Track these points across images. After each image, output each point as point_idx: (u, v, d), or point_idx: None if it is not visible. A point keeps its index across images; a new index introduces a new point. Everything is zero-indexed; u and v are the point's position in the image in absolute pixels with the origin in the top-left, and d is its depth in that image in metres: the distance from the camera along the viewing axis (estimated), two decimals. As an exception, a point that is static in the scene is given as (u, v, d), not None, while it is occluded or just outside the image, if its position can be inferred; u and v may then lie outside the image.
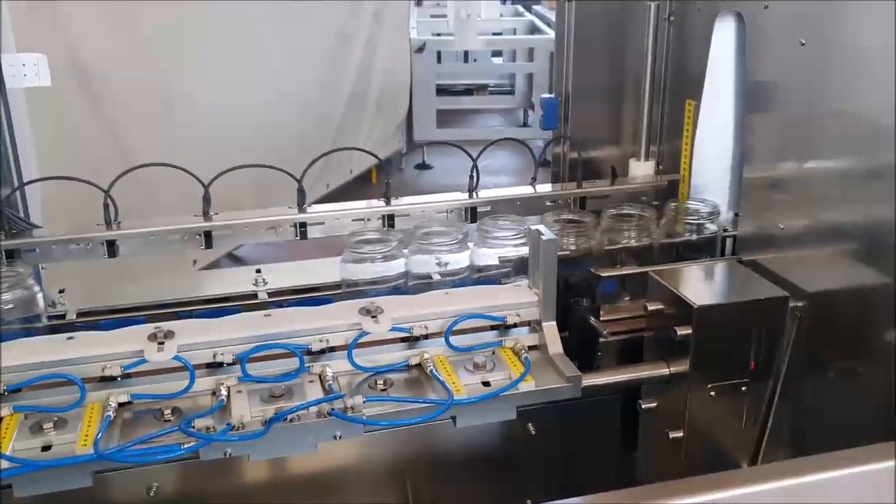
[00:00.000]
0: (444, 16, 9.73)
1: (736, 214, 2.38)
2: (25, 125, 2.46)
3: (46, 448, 1.65)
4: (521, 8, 10.50)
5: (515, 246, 2.12)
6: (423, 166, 8.17)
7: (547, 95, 2.44)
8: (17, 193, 2.12)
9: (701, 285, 2.05)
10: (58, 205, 2.90)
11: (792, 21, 1.90)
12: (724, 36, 2.26)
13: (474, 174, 2.26)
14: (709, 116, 2.35)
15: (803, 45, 1.87)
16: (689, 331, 1.91)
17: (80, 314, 2.08)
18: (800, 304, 1.95)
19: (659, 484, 1.42)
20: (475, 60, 10.17)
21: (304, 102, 6.11)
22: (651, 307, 2.04)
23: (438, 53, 9.68)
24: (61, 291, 2.18)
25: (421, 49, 8.47)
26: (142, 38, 4.55)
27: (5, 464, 1.59)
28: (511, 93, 9.58)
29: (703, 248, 2.35)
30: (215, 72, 5.19)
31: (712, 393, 1.96)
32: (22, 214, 2.12)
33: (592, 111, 2.48)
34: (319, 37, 6.38)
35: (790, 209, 2.01)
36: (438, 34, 9.60)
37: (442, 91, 9.46)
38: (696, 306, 1.90)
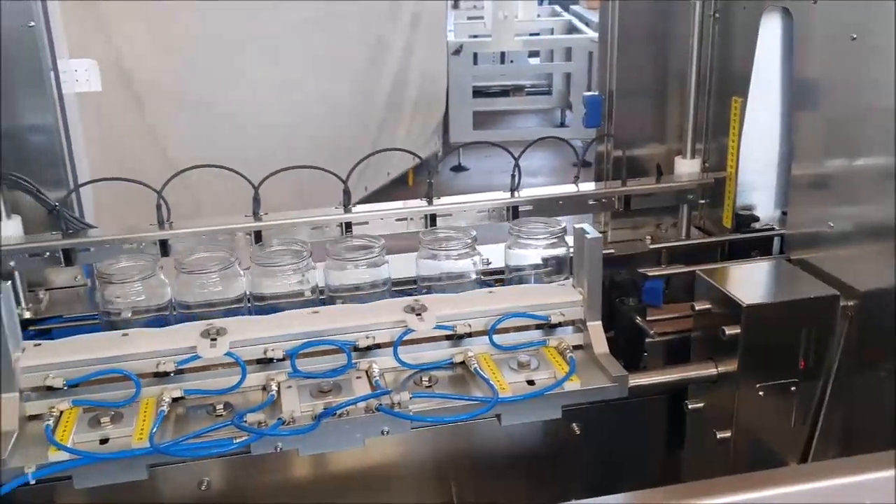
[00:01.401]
0: (481, 17, 9.75)
1: (783, 213, 2.36)
2: (78, 129, 2.52)
3: (104, 441, 1.69)
4: (558, 8, 10.48)
5: (547, 246, 2.12)
6: (458, 168, 8.18)
7: (590, 93, 2.44)
8: (73, 195, 2.16)
9: (749, 284, 2.03)
10: (107, 207, 2.97)
11: (842, 16, 1.88)
12: (770, 32, 2.25)
13: (516, 173, 2.26)
14: (754, 114, 2.33)
15: (854, 39, 1.85)
16: (738, 330, 1.90)
17: (134, 312, 2.11)
18: (850, 302, 1.92)
19: (706, 481, 1.42)
20: (512, 61, 10.17)
21: (342, 107, 6.16)
22: (698, 306, 2.03)
23: (475, 55, 9.69)
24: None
25: (458, 51, 8.49)
26: (183, 46, 4.64)
27: (66, 455, 1.63)
28: (548, 93, 9.55)
29: (750, 248, 2.33)
30: (253, 78, 5.27)
31: (761, 393, 1.95)
32: (77, 215, 2.17)
33: (636, 109, 2.47)
34: (357, 42, 6.43)
35: (839, 207, 1.99)
36: (475, 36, 9.61)
37: (478, 93, 9.47)
38: (745, 305, 1.89)
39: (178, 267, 1.97)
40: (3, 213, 2.03)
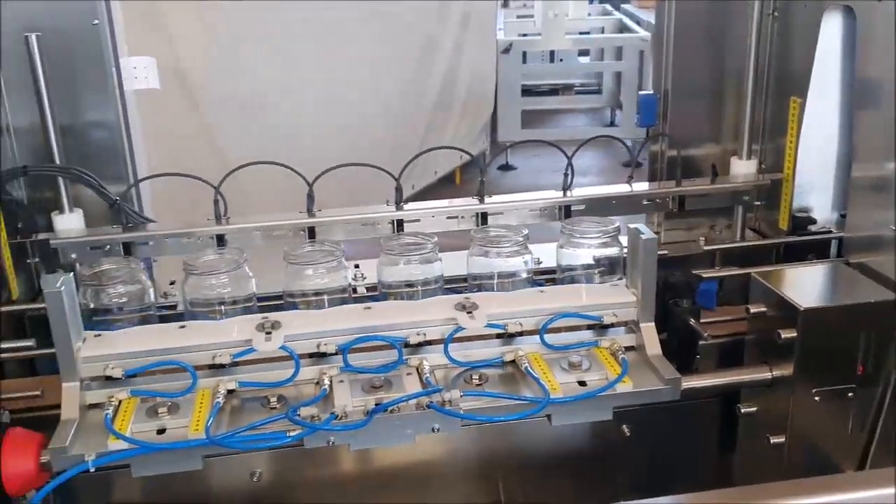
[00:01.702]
0: (531, 16, 9.71)
1: (841, 215, 2.31)
2: (137, 126, 2.58)
3: (161, 431, 1.73)
4: (609, 7, 10.41)
5: (600, 246, 2.10)
6: (506, 167, 8.17)
7: (645, 92, 2.42)
8: (132, 190, 2.21)
9: (806, 287, 2.00)
10: (163, 202, 3.03)
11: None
12: (830, 32, 2.20)
13: (569, 172, 2.25)
14: (813, 114, 2.29)
15: (919, 39, 1.81)
16: (794, 333, 1.87)
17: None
18: (911, 307, 1.88)
19: (760, 485, 1.41)
20: (561, 60, 10.13)
21: (390, 107, 6.20)
22: (753, 309, 2.00)
23: (524, 54, 9.66)
24: (172, 283, 2.28)
25: (507, 50, 8.48)
26: (238, 46, 4.71)
27: (125, 445, 1.67)
28: (598, 92, 9.49)
29: (807, 251, 2.29)
30: (306, 77, 5.33)
31: (817, 398, 1.91)
32: (137, 209, 2.22)
33: (692, 108, 2.44)
34: (407, 42, 6.47)
35: (901, 209, 1.95)
36: (525, 35, 9.59)
37: (526, 91, 9.44)
38: (802, 308, 1.85)
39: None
40: (66, 207, 2.09)
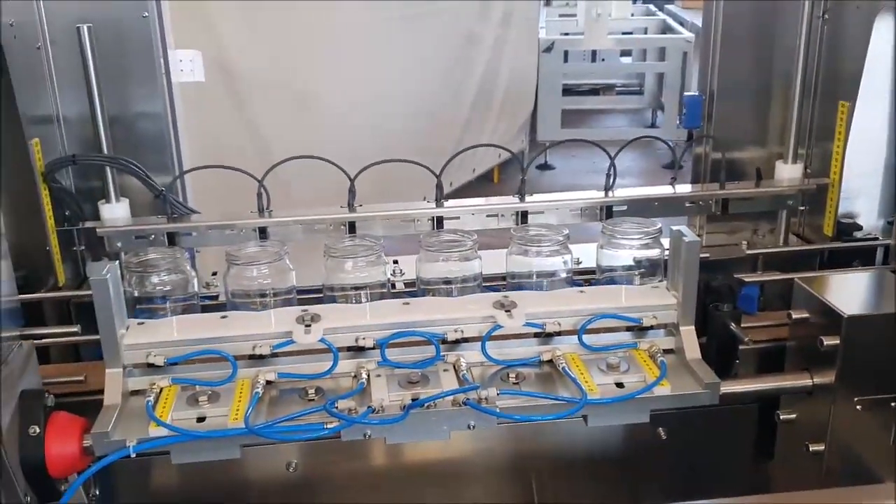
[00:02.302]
0: (574, 15, 9.67)
1: (888, 222, 2.27)
2: (181, 118, 2.62)
3: (201, 420, 1.75)
4: (653, 7, 10.33)
5: (641, 247, 2.08)
6: (545, 167, 8.15)
7: (690, 93, 2.40)
8: (178, 182, 2.25)
9: (850, 295, 1.96)
10: (206, 194, 3.08)
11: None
12: (883, 35, 2.16)
13: (611, 172, 2.24)
14: (863, 119, 2.26)
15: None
16: (837, 341, 1.84)
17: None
18: (958, 318, 1.84)
19: (799, 492, 1.39)
20: (603, 60, 10.07)
21: (430, 103, 6.22)
22: (796, 315, 1.97)
23: (565, 53, 9.61)
24: (214, 274, 2.31)
25: (549, 48, 8.44)
26: (280, 41, 4.76)
27: (165, 432, 1.70)
28: (640, 93, 9.43)
29: (852, 257, 2.26)
30: (346, 74, 5.36)
31: (858, 407, 1.88)
32: (181, 200, 2.25)
33: (738, 110, 2.42)
34: (446, 39, 6.48)
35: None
36: (567, 34, 9.54)
37: (567, 91, 9.40)
38: (846, 316, 1.83)
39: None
40: (113, 196, 2.13)
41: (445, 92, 6.67)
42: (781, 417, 2.05)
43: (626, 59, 9.98)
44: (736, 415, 2.17)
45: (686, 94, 2.41)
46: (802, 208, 2.37)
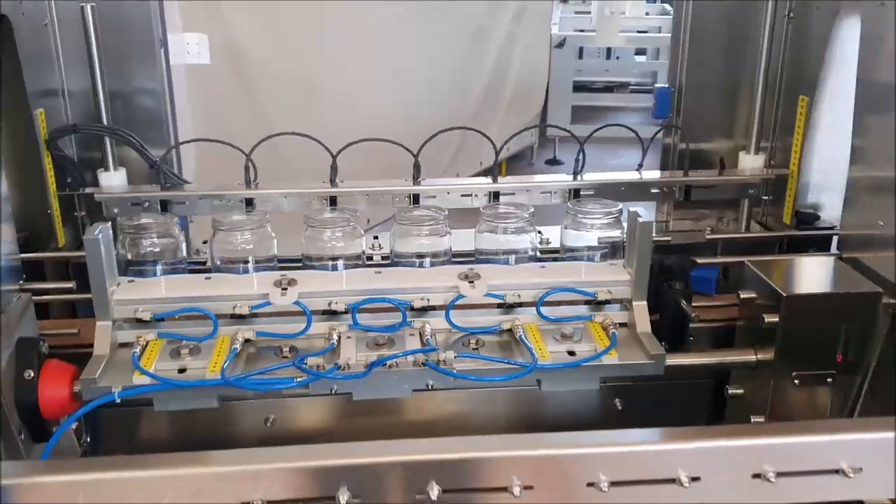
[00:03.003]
0: (589, 12, 9.74)
1: (848, 214, 2.38)
2: (185, 98, 2.77)
3: (182, 371, 1.90)
4: (668, 7, 10.37)
5: (603, 227, 2.18)
6: (553, 161, 8.25)
7: (661, 85, 2.52)
8: (173, 154, 2.40)
9: (794, 277, 2.08)
10: (208, 169, 3.23)
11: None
12: (847, 34, 2.26)
13: (580, 157, 2.37)
14: (827, 114, 2.36)
15: (913, 43, 1.88)
16: (777, 319, 1.95)
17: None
18: (893, 300, 1.95)
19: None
20: (618, 58, 10.14)
21: (438, 96, 6.32)
22: (744, 295, 2.09)
23: (580, 49, 9.70)
24: (204, 242, 2.45)
25: (561, 44, 8.54)
26: (290, 31, 4.89)
27: (148, 380, 1.85)
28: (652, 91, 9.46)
29: (810, 246, 2.37)
30: (353, 65, 5.48)
31: (797, 381, 2.00)
32: (176, 172, 2.40)
33: (705, 104, 2.53)
34: (455, 33, 6.58)
35: (889, 208, 2.02)
36: (581, 30, 9.62)
37: (582, 87, 9.49)
38: (785, 295, 1.94)
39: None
40: (111, 165, 2.28)
41: (455, 84, 6.77)
42: (730, 392, 2.16)
43: (641, 58, 10.05)
44: (690, 389, 2.30)
45: (657, 85, 2.52)
46: (766, 199, 2.48)
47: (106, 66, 2.21)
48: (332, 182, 2.32)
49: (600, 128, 2.36)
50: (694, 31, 2.45)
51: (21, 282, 2.01)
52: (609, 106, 9.58)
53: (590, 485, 1.30)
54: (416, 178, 2.35)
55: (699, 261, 2.21)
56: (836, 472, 1.33)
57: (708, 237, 2.38)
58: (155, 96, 2.39)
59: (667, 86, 2.53)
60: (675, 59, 2.51)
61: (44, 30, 2.16)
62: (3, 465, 1.40)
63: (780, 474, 1.32)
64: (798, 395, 2.01)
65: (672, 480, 1.31)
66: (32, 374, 1.86)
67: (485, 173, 7.10)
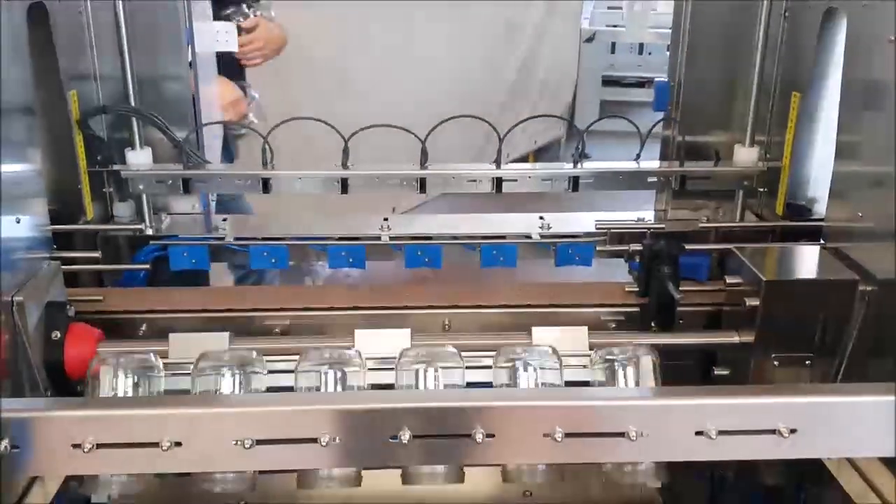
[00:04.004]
0: (620, 8, 9.79)
1: (837, 206, 2.45)
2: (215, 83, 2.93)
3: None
4: (700, 3, 10.32)
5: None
6: (581, 154, 8.30)
7: (660, 78, 2.61)
8: (196, 137, 2.55)
9: (776, 263, 2.17)
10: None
11: (884, 17, 1.98)
12: (834, 32, 2.34)
13: (580, 146, 2.48)
14: (825, 111, 2.44)
15: (892, 41, 1.95)
16: (757, 302, 2.05)
17: (235, 239, 2.49)
18: (869, 288, 2.04)
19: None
20: (650, 53, 10.17)
21: (465, 86, 6.44)
22: (730, 280, 2.19)
23: (613, 44, 9.76)
24: (224, 219, 2.61)
25: (590, 39, 8.61)
26: (323, 21, 5.04)
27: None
28: (681, 87, 9.46)
29: (802, 236, 2.45)
30: (384, 56, 5.62)
31: (776, 363, 2.09)
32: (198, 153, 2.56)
33: (702, 98, 2.61)
34: (485, 25, 6.69)
35: (868, 200, 2.10)
36: (614, 25, 9.67)
37: (613, 82, 9.55)
38: (764, 280, 2.04)
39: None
40: (138, 144, 2.44)
41: (484, 76, 6.88)
42: (716, 373, 2.26)
43: (673, 54, 10.02)
44: (678, 371, 2.39)
45: (656, 79, 2.61)
46: (761, 191, 2.56)
47: (135, 52, 2.36)
48: (344, 165, 2.45)
49: (597, 120, 2.46)
50: (693, 27, 2.54)
51: (51, 251, 2.18)
52: (639, 101, 9.62)
53: (546, 435, 1.43)
54: (422, 163, 2.47)
55: (688, 247, 2.31)
56: (773, 432, 1.47)
57: (701, 226, 2.48)
58: (180, 82, 2.54)
59: (665, 79, 2.62)
60: (675, 54, 2.60)
61: (77, 17, 2.32)
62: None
63: (720, 432, 1.45)
64: (777, 376, 2.11)
65: (622, 434, 1.44)
66: (59, 335, 2.02)
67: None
